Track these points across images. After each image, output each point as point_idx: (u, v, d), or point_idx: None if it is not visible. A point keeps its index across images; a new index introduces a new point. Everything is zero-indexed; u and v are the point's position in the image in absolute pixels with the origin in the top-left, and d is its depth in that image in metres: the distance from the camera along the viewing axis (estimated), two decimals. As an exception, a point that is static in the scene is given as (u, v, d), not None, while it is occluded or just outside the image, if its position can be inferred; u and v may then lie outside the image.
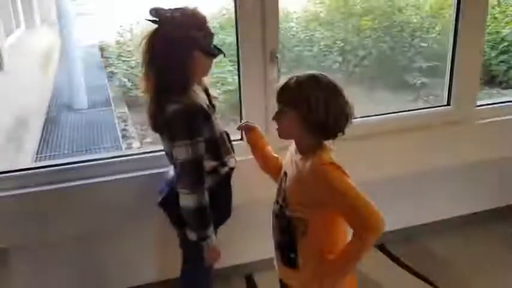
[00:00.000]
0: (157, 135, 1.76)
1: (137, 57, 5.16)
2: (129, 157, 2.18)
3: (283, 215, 1.51)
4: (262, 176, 1.83)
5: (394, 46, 4.95)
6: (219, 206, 1.74)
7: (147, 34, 1.64)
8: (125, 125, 4.36)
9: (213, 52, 1.66)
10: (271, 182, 1.72)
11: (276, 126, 1.48)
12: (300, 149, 1.48)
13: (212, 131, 1.70)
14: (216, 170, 1.74)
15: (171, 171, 1.83)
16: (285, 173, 1.54)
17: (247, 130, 1.85)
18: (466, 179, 2.72)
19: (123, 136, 4.13)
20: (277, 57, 2.09)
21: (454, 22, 2.42)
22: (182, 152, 1.59)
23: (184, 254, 1.88)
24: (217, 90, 4.39)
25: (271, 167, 1.76)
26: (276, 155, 1.79)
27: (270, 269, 1.70)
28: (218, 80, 4.49)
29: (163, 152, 1.80)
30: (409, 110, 2.59)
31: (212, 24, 1.76)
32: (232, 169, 1.82)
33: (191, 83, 1.65)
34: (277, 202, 1.57)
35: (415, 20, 5.28)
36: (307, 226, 1.45)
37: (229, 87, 4.37)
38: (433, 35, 5.02)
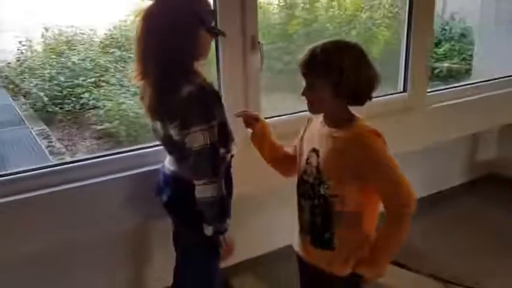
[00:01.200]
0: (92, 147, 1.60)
1: (50, 71, 4.78)
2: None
3: (317, 193, 1.43)
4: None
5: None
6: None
7: (141, 11, 1.48)
8: (49, 142, 3.96)
9: (217, 30, 1.55)
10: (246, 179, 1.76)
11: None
12: (333, 121, 1.43)
13: (223, 114, 1.57)
14: (224, 158, 1.60)
15: (168, 166, 1.66)
16: (314, 150, 1.46)
17: (252, 119, 1.72)
18: (419, 162, 2.88)
19: (51, 153, 3.74)
20: (259, 43, 2.02)
21: (407, 17, 2.56)
22: (199, 139, 1.43)
23: (186, 254, 1.72)
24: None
25: (280, 159, 1.68)
26: (280, 143, 1.71)
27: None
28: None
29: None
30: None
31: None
32: (232, 157, 1.69)
33: (196, 62, 1.52)
34: (306, 182, 1.48)
35: (331, 28, 5.54)
36: (344, 203, 1.40)
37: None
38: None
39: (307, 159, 1.49)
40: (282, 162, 1.68)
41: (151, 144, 2.03)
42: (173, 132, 1.50)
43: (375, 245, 1.40)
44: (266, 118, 2.16)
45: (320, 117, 1.48)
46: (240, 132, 1.79)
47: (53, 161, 3.44)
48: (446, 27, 7.03)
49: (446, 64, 5.99)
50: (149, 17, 1.46)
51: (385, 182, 1.33)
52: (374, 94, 1.41)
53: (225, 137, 1.58)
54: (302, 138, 1.57)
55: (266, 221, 2.47)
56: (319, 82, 1.37)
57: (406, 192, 1.32)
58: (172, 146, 1.57)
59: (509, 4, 3.34)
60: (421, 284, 2.40)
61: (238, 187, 1.78)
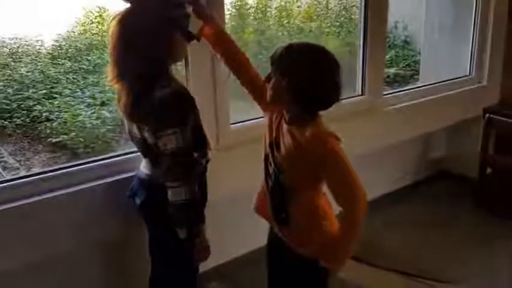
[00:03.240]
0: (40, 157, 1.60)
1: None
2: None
3: (276, 178, 1.54)
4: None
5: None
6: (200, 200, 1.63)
7: (117, 15, 1.48)
8: (0, 157, 3.77)
9: (193, 34, 1.56)
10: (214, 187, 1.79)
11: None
12: (290, 118, 1.48)
13: (197, 118, 1.59)
14: (198, 162, 1.62)
15: (143, 170, 1.66)
16: (276, 140, 1.52)
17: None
18: (376, 162, 3.01)
19: (4, 168, 3.57)
20: (227, 49, 2.05)
21: (362, 24, 2.68)
22: (172, 141, 1.45)
23: (165, 259, 1.71)
24: (107, 113, 4.21)
25: (238, 61, 1.72)
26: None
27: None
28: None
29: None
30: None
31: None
32: (208, 161, 1.72)
33: (171, 66, 1.55)
34: (270, 163, 1.55)
35: (283, 36, 5.69)
36: (298, 192, 1.52)
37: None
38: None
39: (270, 146, 1.56)
40: (241, 69, 1.74)
41: (114, 154, 2.04)
42: (147, 135, 1.52)
43: (333, 241, 1.49)
44: (233, 124, 2.23)
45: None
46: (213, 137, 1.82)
47: (8, 177, 3.29)
48: (390, 35, 7.38)
49: (393, 70, 6.28)
50: (125, 21, 1.47)
51: (338, 183, 1.42)
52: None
53: (199, 141, 1.61)
54: (271, 118, 1.59)
55: (239, 225, 2.49)
56: (278, 77, 1.42)
57: (357, 194, 1.41)
58: (146, 149, 1.58)
59: (452, 11, 3.56)
60: (381, 278, 2.49)
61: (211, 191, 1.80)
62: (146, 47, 1.45)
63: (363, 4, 2.66)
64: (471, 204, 3.26)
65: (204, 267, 1.98)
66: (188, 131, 1.48)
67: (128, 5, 1.48)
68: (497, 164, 3.30)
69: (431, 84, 3.28)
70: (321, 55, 1.44)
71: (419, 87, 3.28)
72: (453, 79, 3.39)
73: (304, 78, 1.38)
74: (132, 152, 1.93)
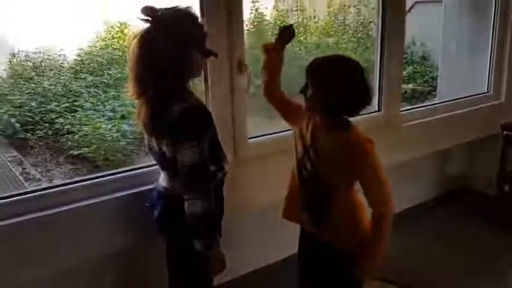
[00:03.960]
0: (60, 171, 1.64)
1: (21, 97, 4.71)
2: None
3: (314, 181, 1.65)
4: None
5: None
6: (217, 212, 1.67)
7: (137, 34, 1.54)
8: (23, 168, 3.87)
9: (210, 52, 1.62)
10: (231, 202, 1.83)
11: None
12: (327, 124, 1.61)
13: (215, 133, 1.64)
14: (215, 175, 1.66)
15: (162, 182, 1.70)
16: (312, 146, 1.63)
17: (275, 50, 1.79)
18: (393, 179, 2.99)
19: (27, 179, 3.66)
20: (246, 66, 2.10)
21: (379, 41, 2.71)
22: (189, 155, 1.49)
23: (182, 270, 1.73)
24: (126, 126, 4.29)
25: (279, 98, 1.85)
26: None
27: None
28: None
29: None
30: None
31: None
32: (225, 175, 1.75)
33: (188, 82, 1.60)
34: (305, 168, 1.66)
35: (300, 51, 5.74)
36: (337, 191, 1.63)
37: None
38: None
39: (305, 151, 1.66)
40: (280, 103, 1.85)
41: (136, 167, 2.07)
42: (165, 149, 1.56)
43: (366, 246, 1.60)
44: (251, 138, 2.26)
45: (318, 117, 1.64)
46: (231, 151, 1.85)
47: (30, 188, 3.37)
48: (408, 51, 7.39)
49: (410, 86, 6.27)
50: (145, 40, 1.51)
51: (373, 183, 1.57)
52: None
53: (216, 155, 1.64)
54: (301, 128, 1.70)
55: (257, 237, 2.52)
56: (315, 88, 1.55)
57: (388, 194, 1.58)
58: (165, 162, 1.62)
59: (470, 27, 3.57)
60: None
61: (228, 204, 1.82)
62: (165, 65, 1.50)
63: (379, 21, 2.69)
64: (489, 222, 3.22)
65: (219, 280, 2.02)
66: (205, 145, 1.52)
67: (147, 24, 1.53)
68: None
69: (449, 100, 3.27)
70: (353, 66, 1.55)
71: (437, 103, 3.28)
72: (471, 96, 3.38)
73: (339, 88, 1.51)
74: (152, 165, 1.98)
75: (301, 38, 5.89)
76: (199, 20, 1.62)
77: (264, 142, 2.28)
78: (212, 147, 1.59)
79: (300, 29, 6.15)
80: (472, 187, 3.60)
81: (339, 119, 1.59)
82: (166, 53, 1.50)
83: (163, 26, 1.52)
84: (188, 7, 1.58)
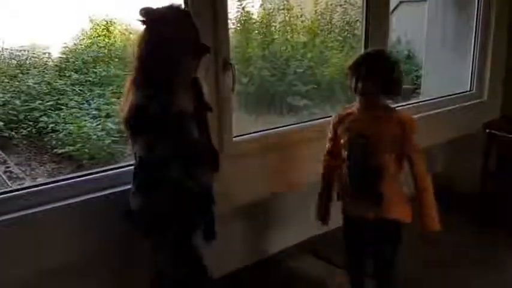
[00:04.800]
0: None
1: (4, 95, 4.66)
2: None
3: (368, 163, 1.87)
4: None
5: (275, 72, 5.32)
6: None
7: (137, 37, 1.61)
8: (7, 167, 3.83)
9: (201, 51, 1.63)
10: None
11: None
12: (375, 106, 1.90)
13: (183, 136, 1.60)
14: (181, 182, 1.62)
15: None
16: (364, 135, 1.88)
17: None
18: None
19: (10, 178, 3.62)
20: (231, 65, 2.11)
21: (363, 41, 2.75)
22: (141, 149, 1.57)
23: None
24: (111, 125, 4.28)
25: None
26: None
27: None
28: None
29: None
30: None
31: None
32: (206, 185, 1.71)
33: (179, 82, 1.61)
34: (355, 157, 1.90)
35: (286, 50, 5.77)
36: (389, 170, 1.88)
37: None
38: (306, 62, 5.58)
39: (351, 139, 1.91)
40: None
41: (119, 166, 2.07)
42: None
43: (422, 208, 1.95)
44: (236, 136, 2.28)
45: (354, 108, 1.94)
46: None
47: (13, 186, 3.34)
48: (393, 50, 7.47)
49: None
50: (139, 42, 1.56)
51: (417, 154, 1.91)
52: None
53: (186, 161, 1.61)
54: (341, 129, 1.97)
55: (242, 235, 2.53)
56: (370, 79, 1.83)
57: (425, 162, 1.93)
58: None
59: (453, 26, 3.62)
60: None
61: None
62: (154, 67, 1.54)
63: (364, 19, 2.73)
64: (471, 222, 3.27)
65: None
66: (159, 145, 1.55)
67: (143, 26, 1.56)
68: (498, 179, 3.32)
69: (432, 99, 3.32)
70: (394, 58, 1.93)
71: (421, 101, 3.33)
72: (454, 94, 3.44)
73: (390, 76, 1.85)
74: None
75: (288, 37, 5.92)
76: (191, 17, 1.61)
77: (249, 140, 2.30)
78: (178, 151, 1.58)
79: (287, 28, 6.18)
80: (454, 185, 3.65)
81: (384, 102, 1.92)
82: (157, 54, 1.54)
83: (155, 28, 1.55)
84: (180, 5, 1.64)
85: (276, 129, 2.49)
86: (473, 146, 3.38)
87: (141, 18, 1.55)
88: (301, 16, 6.34)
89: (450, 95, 3.41)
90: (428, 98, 3.35)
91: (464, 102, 3.40)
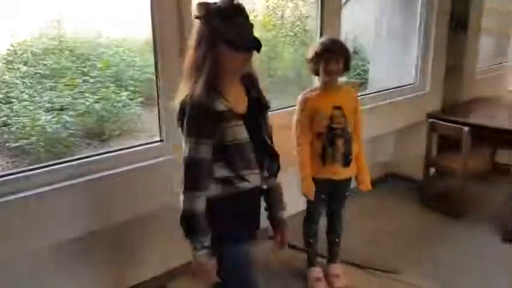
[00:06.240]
0: None
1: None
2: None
3: (345, 132, 2.27)
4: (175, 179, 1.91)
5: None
6: (225, 220, 1.59)
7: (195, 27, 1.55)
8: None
9: (238, 44, 1.47)
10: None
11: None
12: (336, 83, 2.33)
13: (224, 136, 1.53)
14: (230, 182, 1.57)
15: None
16: (338, 107, 2.26)
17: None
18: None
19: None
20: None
21: (318, 35, 2.88)
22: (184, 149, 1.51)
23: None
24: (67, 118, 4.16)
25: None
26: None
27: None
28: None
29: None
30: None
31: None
32: (257, 188, 1.64)
33: (219, 78, 1.52)
34: (336, 128, 2.26)
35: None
36: (353, 135, 2.32)
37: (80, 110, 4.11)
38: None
39: (332, 114, 2.25)
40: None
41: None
42: None
43: (361, 170, 2.42)
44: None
45: (317, 89, 2.33)
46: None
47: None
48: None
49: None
50: (193, 38, 1.53)
51: (360, 120, 2.38)
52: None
53: (228, 159, 1.55)
54: (313, 106, 2.29)
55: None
56: (340, 60, 2.22)
57: None
58: None
59: (398, 23, 3.86)
60: (345, 273, 2.66)
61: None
62: (196, 59, 1.50)
63: (319, 14, 2.89)
64: (416, 203, 3.54)
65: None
66: (202, 145, 1.49)
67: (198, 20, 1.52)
68: (440, 165, 3.60)
69: (380, 91, 3.54)
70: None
71: (367, 94, 3.53)
72: (399, 87, 3.68)
73: (349, 56, 2.27)
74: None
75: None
76: (234, 10, 1.48)
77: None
78: (221, 151, 1.53)
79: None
80: (400, 172, 3.91)
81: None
82: (197, 47, 1.50)
83: (201, 18, 1.50)
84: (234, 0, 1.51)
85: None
86: (417, 135, 3.64)
87: (197, 14, 1.49)
88: (253, 11, 6.45)
89: (396, 88, 3.65)
90: (377, 91, 3.57)
91: (409, 94, 3.66)
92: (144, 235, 2.38)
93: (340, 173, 2.35)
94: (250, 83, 1.62)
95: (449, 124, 3.39)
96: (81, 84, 4.58)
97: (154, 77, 2.24)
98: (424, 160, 3.53)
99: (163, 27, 2.13)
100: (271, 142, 1.68)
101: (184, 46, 2.10)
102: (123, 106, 4.73)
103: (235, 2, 1.49)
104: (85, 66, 4.97)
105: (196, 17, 1.49)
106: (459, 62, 3.92)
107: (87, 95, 4.39)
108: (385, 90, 3.57)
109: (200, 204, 1.50)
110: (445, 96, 3.92)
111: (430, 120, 3.50)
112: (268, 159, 1.66)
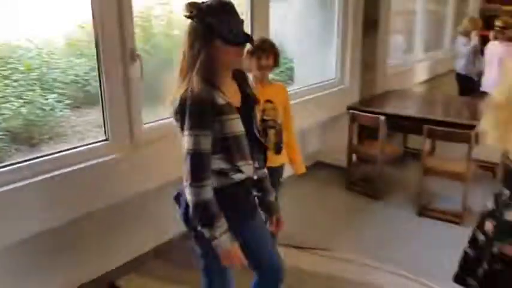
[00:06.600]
0: None
1: None
2: None
3: (276, 124, 2.46)
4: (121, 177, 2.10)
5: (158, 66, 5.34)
6: (226, 207, 1.61)
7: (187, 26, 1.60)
8: None
9: (232, 40, 1.55)
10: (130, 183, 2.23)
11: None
12: (268, 79, 2.51)
13: (224, 128, 1.59)
14: (226, 174, 1.64)
15: None
16: (269, 101, 2.42)
17: None
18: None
19: None
20: (138, 55, 2.28)
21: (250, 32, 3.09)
22: (187, 142, 1.54)
23: (199, 250, 1.77)
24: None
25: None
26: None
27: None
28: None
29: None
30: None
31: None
32: (248, 179, 1.70)
33: (215, 73, 1.58)
34: (267, 120, 2.43)
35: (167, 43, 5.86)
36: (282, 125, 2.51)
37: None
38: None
39: (264, 107, 2.40)
40: None
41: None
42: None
43: (296, 156, 2.66)
44: (147, 123, 2.45)
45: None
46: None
47: None
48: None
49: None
50: (187, 31, 1.58)
51: (290, 111, 2.59)
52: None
53: (227, 152, 1.61)
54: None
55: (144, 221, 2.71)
56: (271, 56, 2.39)
57: None
58: None
59: (320, 22, 4.14)
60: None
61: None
62: (191, 54, 1.56)
63: (249, 10, 3.09)
64: (343, 188, 3.89)
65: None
66: (204, 137, 1.53)
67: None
68: (360, 152, 3.97)
69: (305, 86, 3.81)
70: None
71: (294, 90, 3.73)
72: (322, 82, 3.99)
73: (278, 52, 2.45)
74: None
75: (169, 31, 6.03)
76: (224, 7, 1.56)
77: (158, 126, 2.49)
78: (221, 143, 1.59)
79: (166, 22, 6.26)
80: (327, 160, 4.24)
81: None
82: (191, 44, 1.55)
83: (194, 16, 1.55)
84: None
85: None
86: (340, 125, 3.97)
87: (188, 13, 1.55)
88: (179, 10, 6.48)
89: (318, 83, 3.95)
90: (302, 86, 3.83)
91: (331, 89, 3.98)
92: (92, 234, 2.43)
93: (273, 160, 2.40)
94: (241, 78, 1.72)
95: (367, 114, 3.74)
96: (3, 89, 4.38)
97: (97, 79, 2.29)
98: (347, 148, 3.87)
99: (105, 29, 2.20)
100: (260, 135, 1.77)
101: (127, 47, 2.25)
102: (51, 109, 4.60)
103: (224, 0, 1.57)
104: (6, 70, 4.76)
105: (188, 17, 1.55)
106: (373, 59, 4.33)
107: (12, 99, 4.21)
108: (310, 85, 3.85)
109: (209, 193, 1.55)
110: (362, 90, 4.30)
111: (350, 111, 3.84)
112: (258, 150, 1.74)
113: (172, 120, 1.62)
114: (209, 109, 1.53)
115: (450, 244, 2.18)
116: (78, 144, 2.32)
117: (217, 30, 1.53)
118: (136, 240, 2.66)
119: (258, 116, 2.10)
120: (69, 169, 2.17)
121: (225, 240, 1.57)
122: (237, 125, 1.60)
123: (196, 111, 1.52)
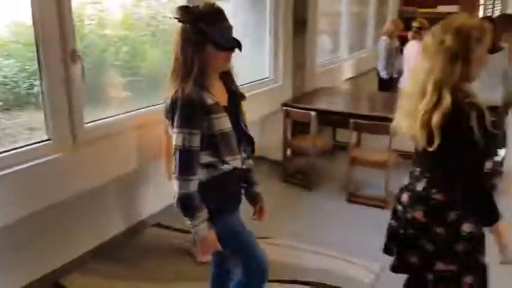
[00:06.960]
0: None
1: None
2: None
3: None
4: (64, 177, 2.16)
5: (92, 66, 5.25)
6: (214, 197, 1.75)
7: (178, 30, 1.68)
8: None
9: (223, 45, 1.65)
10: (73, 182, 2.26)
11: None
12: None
13: (212, 126, 1.69)
14: (214, 166, 1.74)
15: None
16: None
17: None
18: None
19: None
20: (79, 56, 2.32)
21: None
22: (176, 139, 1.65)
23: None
24: None
25: None
26: None
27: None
28: None
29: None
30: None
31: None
32: (237, 169, 1.80)
33: (206, 75, 1.67)
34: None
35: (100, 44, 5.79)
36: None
37: None
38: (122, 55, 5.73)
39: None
40: None
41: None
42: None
43: None
44: (88, 122, 2.50)
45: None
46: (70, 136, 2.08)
47: None
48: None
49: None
50: (177, 40, 1.66)
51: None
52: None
53: (215, 147, 1.71)
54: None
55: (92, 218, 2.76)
56: None
57: None
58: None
59: (253, 22, 4.28)
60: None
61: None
62: (183, 59, 1.64)
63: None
64: (280, 180, 4.11)
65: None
66: (193, 135, 1.64)
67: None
68: (294, 146, 4.20)
69: (241, 85, 3.94)
70: None
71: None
72: (257, 80, 4.18)
73: None
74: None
75: (102, 32, 5.93)
76: (215, 13, 1.66)
77: (100, 126, 2.55)
78: (208, 140, 1.69)
79: (97, 22, 6.15)
80: (266, 155, 4.42)
81: None
82: (183, 49, 1.64)
83: (185, 22, 1.64)
84: (209, 2, 1.70)
85: (122, 115, 2.79)
86: (276, 122, 4.17)
87: (179, 17, 1.62)
88: (104, 11, 6.37)
89: (254, 81, 4.14)
90: (240, 84, 3.96)
91: (266, 87, 4.18)
92: (34, 233, 2.44)
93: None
94: (227, 78, 1.82)
95: (299, 111, 3.98)
96: None
97: (38, 80, 2.30)
98: (282, 143, 4.09)
99: (45, 30, 2.22)
100: (247, 128, 1.86)
101: (68, 48, 2.29)
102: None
103: (215, 6, 1.67)
104: None
105: (180, 21, 1.64)
106: (303, 58, 4.59)
107: None
108: (246, 83, 4.01)
109: (193, 186, 1.67)
110: (294, 88, 4.55)
111: (284, 108, 4.06)
112: (245, 143, 1.85)
113: (163, 118, 1.73)
114: (198, 109, 1.63)
115: (376, 226, 2.40)
116: (22, 144, 2.31)
117: (210, 36, 1.62)
118: (79, 239, 2.69)
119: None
120: (11, 170, 2.17)
121: (203, 228, 1.69)
122: (224, 123, 1.71)
123: (186, 112, 1.62)
